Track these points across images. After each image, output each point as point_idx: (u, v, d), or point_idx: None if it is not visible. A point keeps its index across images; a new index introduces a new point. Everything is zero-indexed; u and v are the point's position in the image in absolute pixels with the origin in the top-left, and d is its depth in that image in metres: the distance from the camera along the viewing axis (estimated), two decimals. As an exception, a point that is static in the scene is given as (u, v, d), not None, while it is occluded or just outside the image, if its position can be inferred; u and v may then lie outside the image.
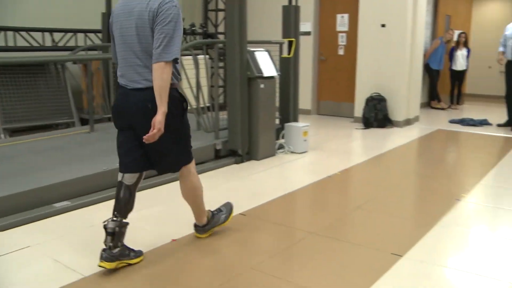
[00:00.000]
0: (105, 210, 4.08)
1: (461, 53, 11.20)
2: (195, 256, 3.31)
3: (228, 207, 3.69)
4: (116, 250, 2.95)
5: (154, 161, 3.07)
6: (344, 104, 9.60)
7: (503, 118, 8.93)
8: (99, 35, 8.52)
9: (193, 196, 3.30)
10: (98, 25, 8.22)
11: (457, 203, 4.52)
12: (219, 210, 3.61)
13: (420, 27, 8.97)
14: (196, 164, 4.53)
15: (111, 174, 4.51)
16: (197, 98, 6.07)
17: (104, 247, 2.95)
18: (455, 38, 11.36)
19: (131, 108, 2.88)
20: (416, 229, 3.90)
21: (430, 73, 11.00)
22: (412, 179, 5.71)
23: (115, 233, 2.95)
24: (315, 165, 6.06)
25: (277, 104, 6.63)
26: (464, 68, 11.35)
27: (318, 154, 6.49)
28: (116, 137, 3.08)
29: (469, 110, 11.00)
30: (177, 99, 2.95)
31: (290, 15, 6.70)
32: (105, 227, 2.98)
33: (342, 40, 9.48)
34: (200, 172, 5.23)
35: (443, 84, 11.46)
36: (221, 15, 10.04)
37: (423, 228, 3.83)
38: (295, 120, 6.99)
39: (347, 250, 3.46)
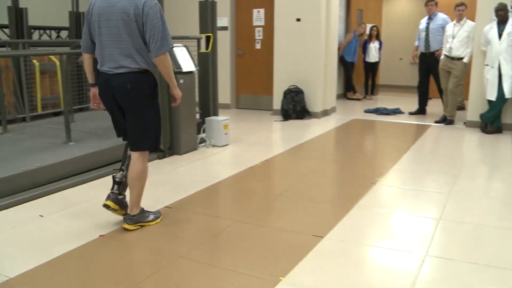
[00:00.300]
0: (24, 211, 3.98)
1: (373, 46, 11.65)
2: (124, 249, 3.30)
3: (157, 213, 3.80)
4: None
5: (128, 136, 3.52)
6: (262, 97, 9.75)
7: (414, 106, 9.40)
8: (7, 30, 8.13)
9: (138, 181, 3.51)
10: (5, 20, 7.84)
11: (372, 186, 4.74)
12: (148, 211, 3.74)
13: (334, 21, 9.26)
14: (119, 161, 4.53)
15: (31, 175, 4.40)
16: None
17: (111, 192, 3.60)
18: (367, 31, 11.80)
19: (113, 90, 3.33)
20: (336, 211, 4.07)
21: (345, 66, 11.38)
22: (331, 166, 5.92)
23: (121, 182, 3.60)
24: (236, 157, 6.14)
25: (197, 99, 6.66)
26: (376, 60, 11.82)
27: (239, 147, 6.57)
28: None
29: (383, 100, 11.47)
30: (153, 83, 3.44)
31: (207, 11, 6.73)
32: (113, 177, 3.62)
33: (259, 34, 9.62)
34: (122, 168, 5.20)
35: (357, 76, 11.89)
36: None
37: (342, 211, 4.00)
38: (215, 114, 7.04)
39: (270, 235, 3.55)
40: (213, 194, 4.65)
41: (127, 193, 3.63)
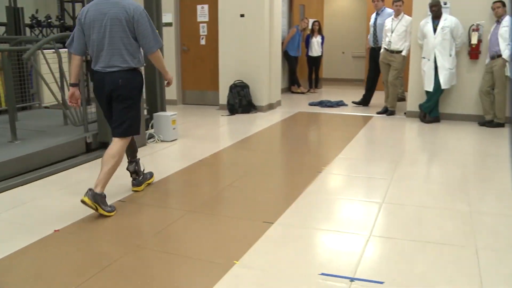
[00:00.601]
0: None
1: (316, 40, 11.91)
2: (81, 242, 3.34)
3: (112, 207, 3.88)
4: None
5: (113, 125, 3.96)
6: (209, 92, 9.83)
7: (357, 98, 9.70)
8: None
9: (112, 159, 3.86)
10: None
11: (318, 174, 4.93)
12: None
13: (277, 16, 9.44)
14: (68, 158, 4.56)
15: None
16: (62, 92, 5.94)
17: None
18: (310, 26, 12.05)
19: (107, 85, 3.83)
20: (284, 199, 4.23)
21: (289, 60, 11.60)
22: (278, 156, 6.09)
23: (136, 171, 4.40)
24: (185, 151, 6.22)
25: (144, 95, 6.68)
26: (319, 54, 12.09)
27: (187, 141, 6.65)
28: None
29: (326, 93, 11.76)
30: (140, 80, 4.05)
31: (152, 6, 6.76)
32: (127, 169, 4.41)
33: (203, 30, 9.68)
34: (73, 166, 5.22)
35: (301, 70, 12.13)
36: (78, 6, 9.75)
37: (290, 198, 4.17)
38: (163, 110, 7.08)
39: (223, 222, 3.68)
40: (165, 187, 4.72)
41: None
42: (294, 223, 3.64)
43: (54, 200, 3.90)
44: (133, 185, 4.42)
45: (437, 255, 3.07)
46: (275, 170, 5.47)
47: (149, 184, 4.57)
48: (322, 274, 2.80)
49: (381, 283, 2.67)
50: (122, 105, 3.90)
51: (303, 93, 11.79)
